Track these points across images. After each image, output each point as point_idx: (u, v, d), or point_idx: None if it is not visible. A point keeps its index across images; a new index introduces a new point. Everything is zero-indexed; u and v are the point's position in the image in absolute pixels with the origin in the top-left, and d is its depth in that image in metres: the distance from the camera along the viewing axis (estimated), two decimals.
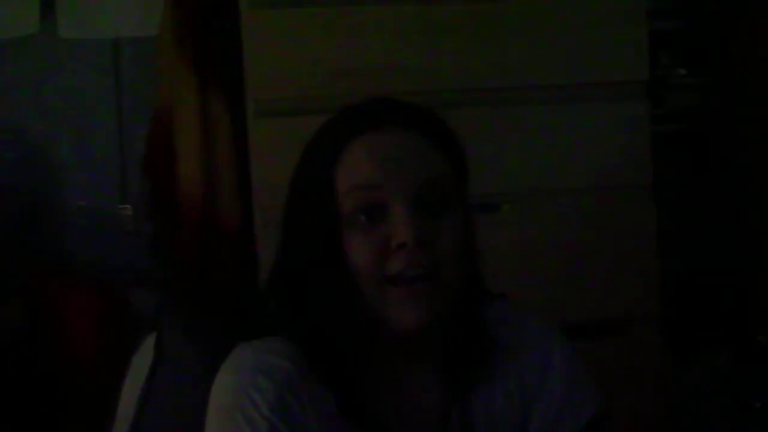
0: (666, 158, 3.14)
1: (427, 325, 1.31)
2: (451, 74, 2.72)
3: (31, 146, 3.22)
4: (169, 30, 2.92)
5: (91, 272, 3.16)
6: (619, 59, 2.81)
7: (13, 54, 3.23)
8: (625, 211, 2.81)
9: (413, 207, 1.30)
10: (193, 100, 2.87)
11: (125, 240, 3.25)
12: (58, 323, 2.70)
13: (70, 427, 2.59)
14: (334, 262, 1.31)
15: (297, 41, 2.68)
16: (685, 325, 3.20)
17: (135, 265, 3.20)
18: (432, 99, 1.43)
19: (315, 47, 2.67)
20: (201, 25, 2.90)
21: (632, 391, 2.69)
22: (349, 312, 1.32)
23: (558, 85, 2.80)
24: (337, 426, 1.32)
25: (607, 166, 2.80)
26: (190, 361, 1.64)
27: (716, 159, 3.35)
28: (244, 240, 2.82)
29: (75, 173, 3.26)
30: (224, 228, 2.87)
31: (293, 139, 1.46)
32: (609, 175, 2.80)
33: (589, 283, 2.77)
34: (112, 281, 3.03)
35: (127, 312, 2.77)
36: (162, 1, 2.98)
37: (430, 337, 1.36)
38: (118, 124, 3.28)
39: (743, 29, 3.32)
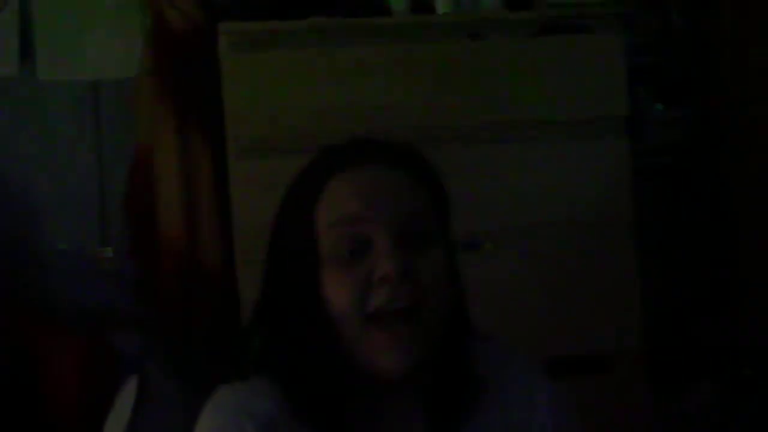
0: (646, 192, 3.16)
1: (410, 370, 1.30)
2: (428, 111, 2.73)
3: (9, 189, 3.21)
4: (148, 72, 2.93)
5: (72, 315, 3.14)
6: (598, 95, 2.83)
7: None
8: (606, 247, 2.82)
9: (397, 241, 1.29)
10: (172, 140, 2.87)
11: (106, 282, 3.23)
12: (40, 367, 2.68)
13: None
14: (313, 303, 1.30)
15: (276, 82, 2.69)
16: (669, 359, 3.20)
17: (116, 307, 3.19)
18: (411, 137, 1.43)
19: (294, 88, 2.69)
20: (180, 67, 2.91)
21: (616, 425, 2.69)
22: (329, 354, 1.30)
23: (538, 122, 2.81)
24: None
25: (587, 202, 2.81)
26: (173, 402, 1.64)
27: (697, 192, 3.36)
28: (225, 280, 2.82)
29: (54, 216, 3.25)
30: (205, 268, 2.87)
31: (274, 179, 1.46)
32: (590, 211, 2.80)
33: (570, 318, 2.77)
34: (93, 324, 3.02)
35: (109, 355, 2.76)
36: (141, 43, 2.99)
37: (413, 376, 1.36)
38: (97, 166, 3.27)
39: (720, 63, 3.34)
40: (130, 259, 3.05)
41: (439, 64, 2.76)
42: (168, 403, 1.65)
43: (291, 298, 1.33)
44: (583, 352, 2.79)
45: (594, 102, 2.83)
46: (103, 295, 3.22)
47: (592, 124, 2.83)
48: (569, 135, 2.82)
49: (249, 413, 1.29)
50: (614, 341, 2.80)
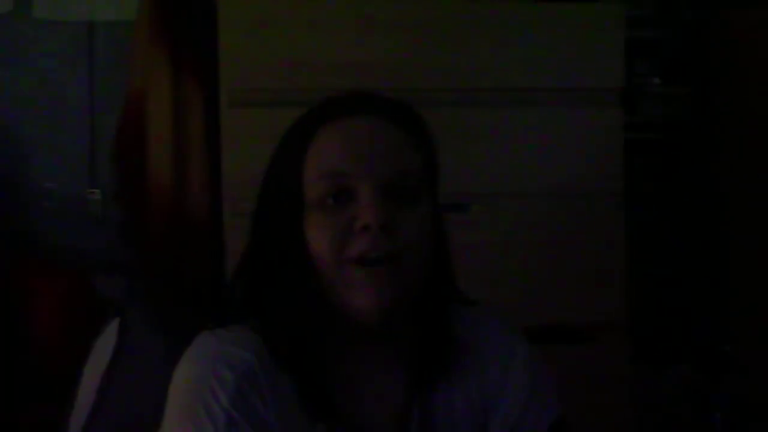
0: (638, 166, 3.16)
1: (387, 311, 1.30)
2: (426, 73, 2.72)
3: None
4: (145, 15, 2.91)
5: (56, 255, 3.14)
6: (595, 66, 2.82)
7: None
8: (595, 218, 2.82)
9: (381, 193, 1.30)
10: (166, 86, 2.86)
11: (93, 225, 3.22)
12: (22, 305, 2.67)
13: (31, 410, 2.57)
14: (297, 248, 1.31)
15: (274, 32, 2.67)
16: (652, 333, 3.21)
17: (102, 251, 3.18)
18: (405, 97, 1.42)
19: (292, 40, 2.67)
20: (178, 12, 2.89)
21: (597, 397, 2.70)
22: (311, 298, 1.32)
23: (532, 88, 2.80)
24: (297, 418, 1.32)
25: (578, 172, 2.80)
26: (153, 349, 1.63)
27: (688, 168, 3.36)
28: (212, 230, 2.81)
29: (43, 155, 3.23)
30: (193, 217, 2.86)
31: (265, 130, 1.46)
32: (580, 181, 2.80)
33: (556, 288, 2.78)
34: (77, 265, 3.01)
35: (91, 297, 2.75)
36: None
37: (393, 330, 1.36)
38: (90, 108, 3.25)
39: (720, 40, 3.33)
40: (118, 203, 3.04)
41: (437, 24, 2.74)
42: (148, 348, 1.65)
43: (274, 243, 1.34)
44: (568, 323, 2.80)
45: (591, 71, 2.82)
46: (89, 237, 3.21)
47: (587, 93, 2.83)
48: (564, 103, 2.81)
49: (228, 362, 1.29)
50: (598, 313, 2.80)
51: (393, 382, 1.39)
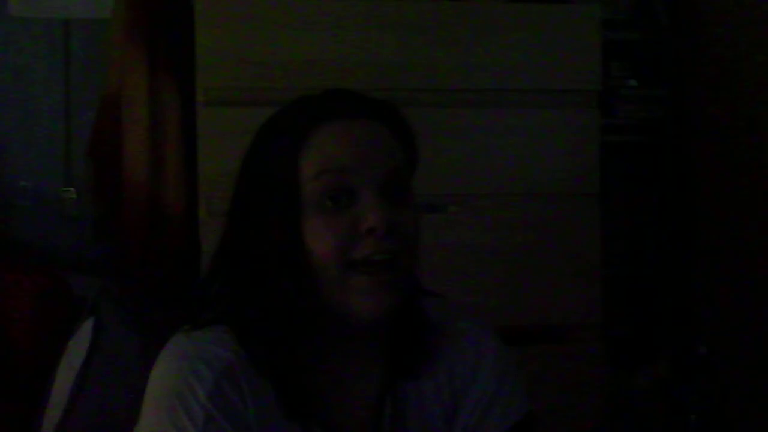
0: (614, 168, 3.16)
1: (386, 315, 1.32)
2: (403, 73, 2.72)
3: None
4: (121, 13, 2.90)
5: (31, 254, 3.13)
6: (572, 67, 2.82)
7: None
8: (570, 219, 2.82)
9: (382, 194, 1.31)
10: (142, 84, 2.85)
11: (68, 223, 3.21)
12: None
13: (4, 409, 2.56)
14: (292, 249, 1.30)
15: (251, 31, 2.66)
16: (626, 334, 3.22)
17: (76, 249, 3.17)
18: (383, 96, 1.42)
19: (269, 38, 2.66)
20: (154, 10, 2.89)
21: (571, 397, 2.71)
22: (300, 299, 1.31)
23: (509, 89, 2.80)
24: (275, 416, 1.32)
25: (555, 173, 2.81)
26: (128, 348, 1.62)
27: (664, 170, 3.37)
28: (188, 228, 2.80)
29: (18, 153, 3.22)
30: (168, 215, 2.85)
31: (241, 129, 1.44)
32: (557, 182, 2.81)
33: (531, 288, 2.78)
34: (51, 264, 3.00)
35: (66, 296, 2.74)
36: None
37: (378, 328, 1.37)
38: (65, 106, 3.24)
39: (695, 41, 3.34)
40: (93, 202, 3.03)
41: (414, 24, 2.74)
42: (123, 347, 1.64)
43: (271, 243, 1.33)
44: (542, 323, 2.80)
45: (567, 73, 2.82)
46: (64, 235, 3.20)
47: (564, 95, 2.83)
48: (540, 104, 2.82)
49: (206, 359, 1.29)
50: (573, 314, 2.81)
51: (368, 376, 1.40)
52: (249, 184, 1.37)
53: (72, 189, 3.22)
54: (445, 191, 2.74)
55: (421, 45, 2.74)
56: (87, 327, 1.67)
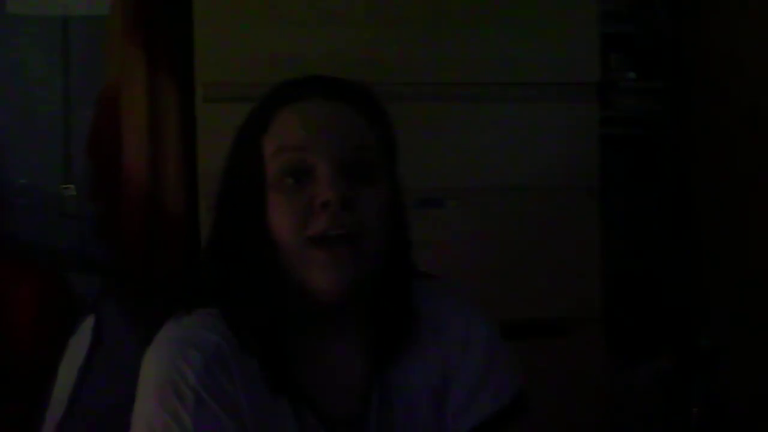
0: (613, 161, 3.16)
1: (348, 291, 1.32)
2: (401, 67, 2.72)
3: None
4: (119, 10, 2.89)
5: (30, 252, 3.12)
6: (570, 60, 2.82)
7: None
8: (569, 212, 2.82)
9: (339, 170, 1.32)
10: (141, 81, 2.85)
11: (67, 221, 3.21)
12: None
13: (5, 409, 2.56)
14: (259, 229, 1.33)
15: (250, 26, 2.67)
16: (627, 327, 3.22)
17: (76, 247, 3.17)
18: (379, 91, 1.43)
19: (268, 34, 2.66)
20: (152, 6, 2.88)
21: (573, 391, 2.71)
22: (273, 279, 1.33)
23: (508, 83, 2.80)
24: (266, 399, 1.33)
25: (553, 166, 2.81)
26: (129, 346, 1.63)
27: (664, 163, 3.37)
28: (188, 225, 2.80)
29: (18, 150, 3.22)
30: (168, 212, 2.85)
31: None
32: (555, 175, 2.81)
33: (531, 282, 2.78)
34: (51, 263, 3.00)
35: (66, 294, 2.74)
36: None
37: (355, 308, 1.38)
38: (64, 103, 3.24)
39: (695, 34, 3.34)
40: (93, 199, 3.03)
41: (411, 18, 2.74)
42: (123, 345, 1.64)
43: (238, 225, 1.36)
44: (542, 317, 2.80)
45: (566, 65, 2.82)
46: (64, 233, 3.20)
47: (562, 88, 2.83)
48: (539, 97, 2.81)
49: (196, 343, 1.31)
50: (573, 307, 2.81)
51: (354, 356, 1.41)
52: (225, 171, 1.42)
53: (72, 186, 3.22)
54: (443, 185, 2.74)
55: (417, 40, 2.73)
56: (87, 325, 1.68)
